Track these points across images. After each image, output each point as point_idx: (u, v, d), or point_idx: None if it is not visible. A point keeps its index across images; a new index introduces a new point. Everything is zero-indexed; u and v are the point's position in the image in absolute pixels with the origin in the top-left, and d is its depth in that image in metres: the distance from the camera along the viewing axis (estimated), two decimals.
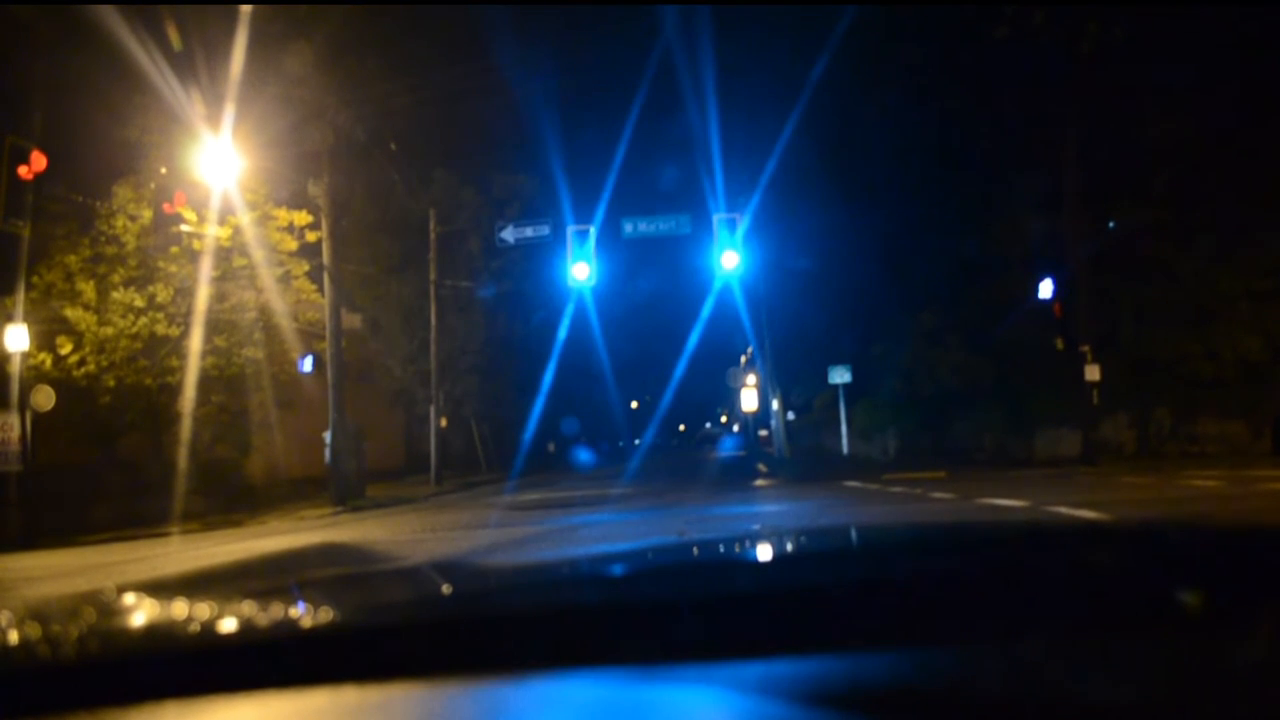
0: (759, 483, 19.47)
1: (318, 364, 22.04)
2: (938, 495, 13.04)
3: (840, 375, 27.18)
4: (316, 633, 1.10)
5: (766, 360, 30.24)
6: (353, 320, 35.53)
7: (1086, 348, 18.18)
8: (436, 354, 32.49)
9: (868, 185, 22.74)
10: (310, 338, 24.13)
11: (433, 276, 28.94)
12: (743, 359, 70.36)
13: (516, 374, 38.06)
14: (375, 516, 18.09)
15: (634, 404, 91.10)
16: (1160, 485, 13.94)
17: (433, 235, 28.91)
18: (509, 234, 21.78)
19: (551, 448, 63.38)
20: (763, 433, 60.29)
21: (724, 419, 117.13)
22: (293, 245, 23.30)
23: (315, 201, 22.53)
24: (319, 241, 22.46)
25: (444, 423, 29.21)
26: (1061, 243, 18.95)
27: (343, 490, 21.31)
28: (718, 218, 21.00)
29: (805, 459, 27.02)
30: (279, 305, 22.64)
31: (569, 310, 30.36)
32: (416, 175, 34.50)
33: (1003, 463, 19.32)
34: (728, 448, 67.59)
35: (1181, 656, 1.00)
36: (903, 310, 21.16)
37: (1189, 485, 13.51)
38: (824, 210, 23.74)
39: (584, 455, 57.48)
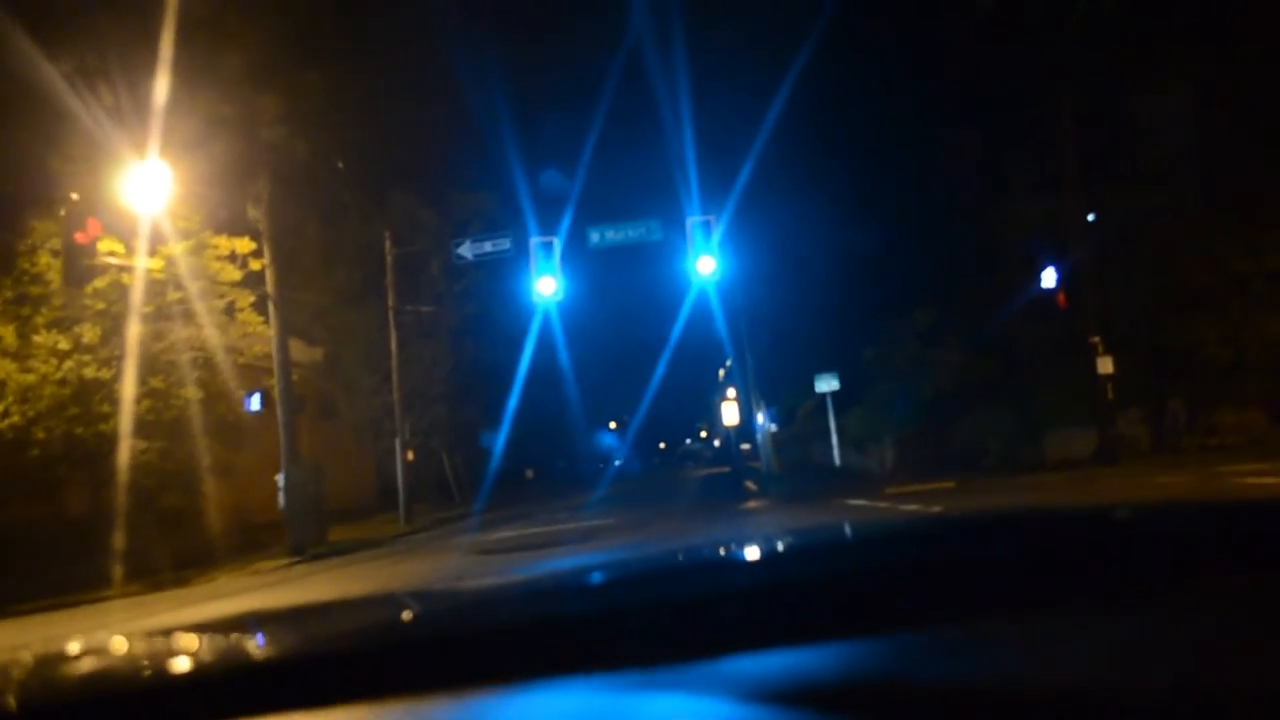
0: (751, 505, 17.92)
1: (267, 401, 20.29)
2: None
3: (828, 383, 25.73)
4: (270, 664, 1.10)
5: (747, 372, 28.70)
6: (313, 354, 33.86)
7: (1097, 339, 16.77)
8: (401, 384, 30.79)
9: (851, 181, 21.40)
10: (261, 373, 22.40)
11: (391, 303, 27.29)
12: (721, 372, 68.95)
13: (488, 401, 36.31)
14: (333, 568, 16.45)
15: (612, 424, 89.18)
16: (1201, 485, 12.47)
17: (389, 259, 27.26)
18: (467, 250, 20.24)
19: (530, 474, 61.61)
20: (745, 446, 58.84)
21: (704, 434, 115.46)
22: (235, 275, 21.61)
23: (257, 226, 20.87)
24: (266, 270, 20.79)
25: (411, 456, 27.49)
26: (1062, 229, 17.58)
27: (301, 537, 19.59)
28: (691, 221, 19.52)
29: (795, 474, 25.51)
30: (222, 340, 20.94)
31: (535, 329, 28.71)
32: (371, 198, 32.93)
33: (1012, 468, 17.86)
34: (710, 464, 66.05)
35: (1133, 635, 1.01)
36: (895, 311, 19.72)
37: (1238, 484, 12.03)
38: (805, 210, 22.35)
39: (561, 480, 55.79)
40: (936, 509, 12.52)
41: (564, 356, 40.31)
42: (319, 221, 34.18)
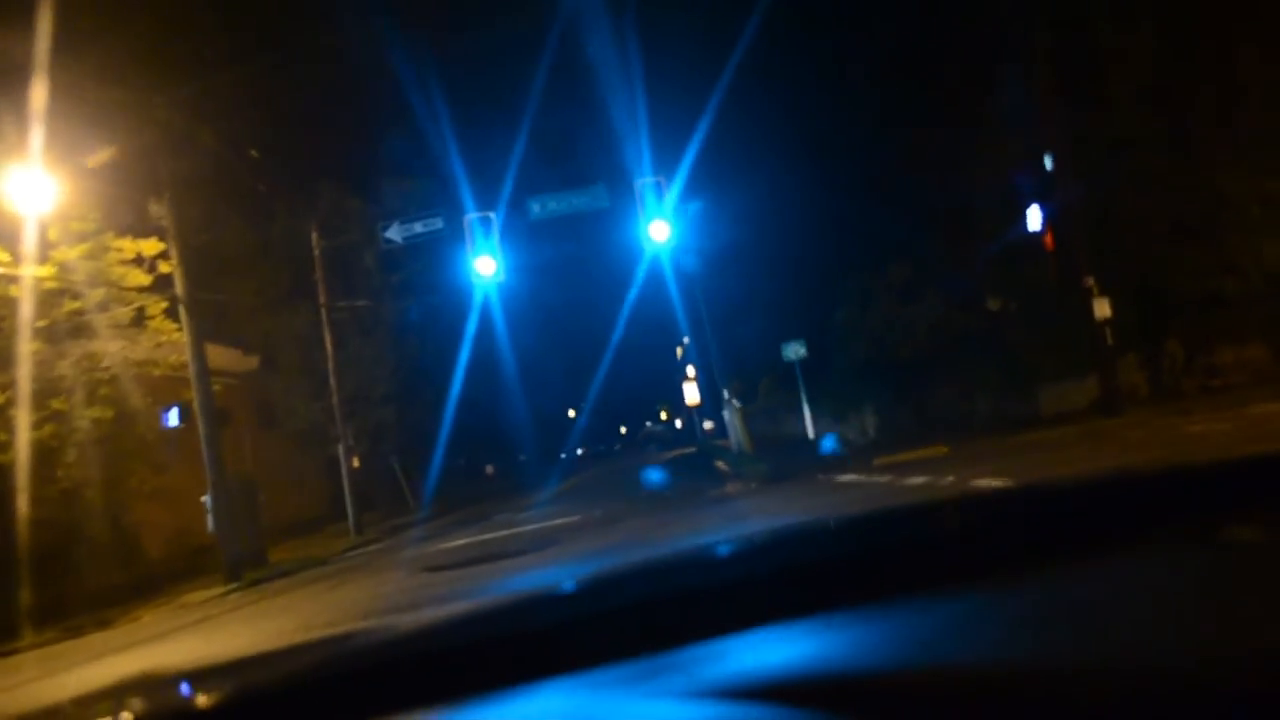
0: (731, 489, 16.33)
1: (186, 415, 18.36)
2: (983, 484, 9.93)
3: (795, 351, 24.16)
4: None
5: (708, 346, 27.09)
6: (247, 361, 31.80)
7: (1091, 280, 15.33)
8: (340, 387, 28.84)
9: (811, 137, 19.76)
10: (183, 385, 20.43)
11: (322, 300, 25.34)
12: (679, 350, 67.29)
13: (437, 399, 34.38)
14: (268, 595, 14.69)
15: (571, 412, 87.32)
16: (1249, 434, 11.02)
17: (316, 253, 25.30)
18: (396, 233, 18.42)
19: (490, 470, 59.66)
20: (708, 425, 57.35)
21: (664, 416, 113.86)
22: (143, 279, 19.62)
23: (162, 224, 18.88)
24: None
25: (356, 463, 25.62)
26: (1044, 167, 16.07)
27: (236, 560, 17.72)
28: (641, 183, 17.81)
29: (769, 451, 23.93)
30: (133, 352, 18.98)
31: (475, 312, 26.89)
32: (295, 190, 30.95)
33: (1006, 427, 16.43)
34: (673, 445, 64.50)
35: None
36: (867, 269, 18.10)
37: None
38: (763, 170, 20.72)
39: (523, 474, 53.91)
40: (948, 479, 10.97)
41: (512, 343, 38.50)
42: (242, 219, 32.25)
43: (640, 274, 23.20)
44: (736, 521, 11.04)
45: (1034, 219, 16.28)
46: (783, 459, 20.13)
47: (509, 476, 54.35)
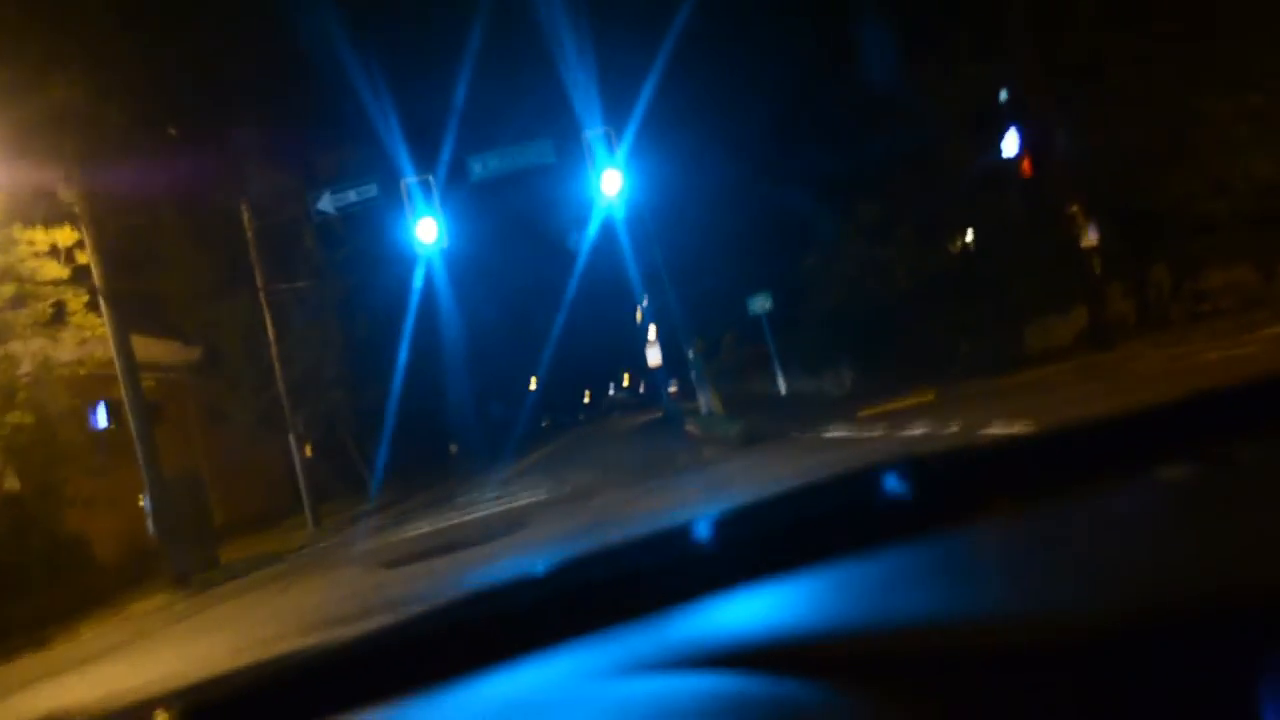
0: (708, 454, 15.33)
1: (116, 414, 17.03)
2: (993, 432, 8.96)
3: (761, 304, 23.15)
4: None
5: (669, 304, 25.86)
6: (189, 353, 30.32)
7: (1075, 207, 14.37)
8: (287, 372, 27.48)
9: (769, 72, 18.56)
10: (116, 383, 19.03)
11: (260, 282, 23.94)
12: (638, 312, 66.06)
13: (393, 378, 33.04)
14: (217, 600, 13.60)
15: (534, 382, 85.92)
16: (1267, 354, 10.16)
17: (249, 233, 23.87)
18: (327, 204, 17.15)
19: (454, 449, 58.32)
20: (672, 388, 56.26)
21: (626, 381, 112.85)
22: (60, 272, 18.23)
23: (74, 210, 17.45)
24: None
25: (309, 451, 24.34)
26: (1016, 92, 15.03)
27: (183, 563, 16.51)
28: (589, 134, 16.63)
29: (740, 411, 22.96)
30: (57, 350, 17.61)
31: (420, 283, 25.55)
32: (226, 170, 29.37)
33: (994, 368, 15.51)
34: (638, 410, 63.54)
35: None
36: (836, 212, 16.97)
37: None
38: (718, 112, 19.51)
39: (488, 450, 52.59)
40: (952, 428, 10.01)
41: (464, 314, 37.17)
42: (173, 205, 30.64)
43: (593, 232, 21.96)
44: (721, 490, 10.03)
45: (1010, 144, 15.23)
46: (757, 418, 19.17)
47: (474, 454, 53.10)
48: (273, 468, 30.83)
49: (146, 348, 29.32)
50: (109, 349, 18.36)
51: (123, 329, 16.89)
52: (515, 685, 1.04)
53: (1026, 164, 15.09)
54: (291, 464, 34.52)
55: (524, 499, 14.89)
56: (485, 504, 16.29)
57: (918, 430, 10.36)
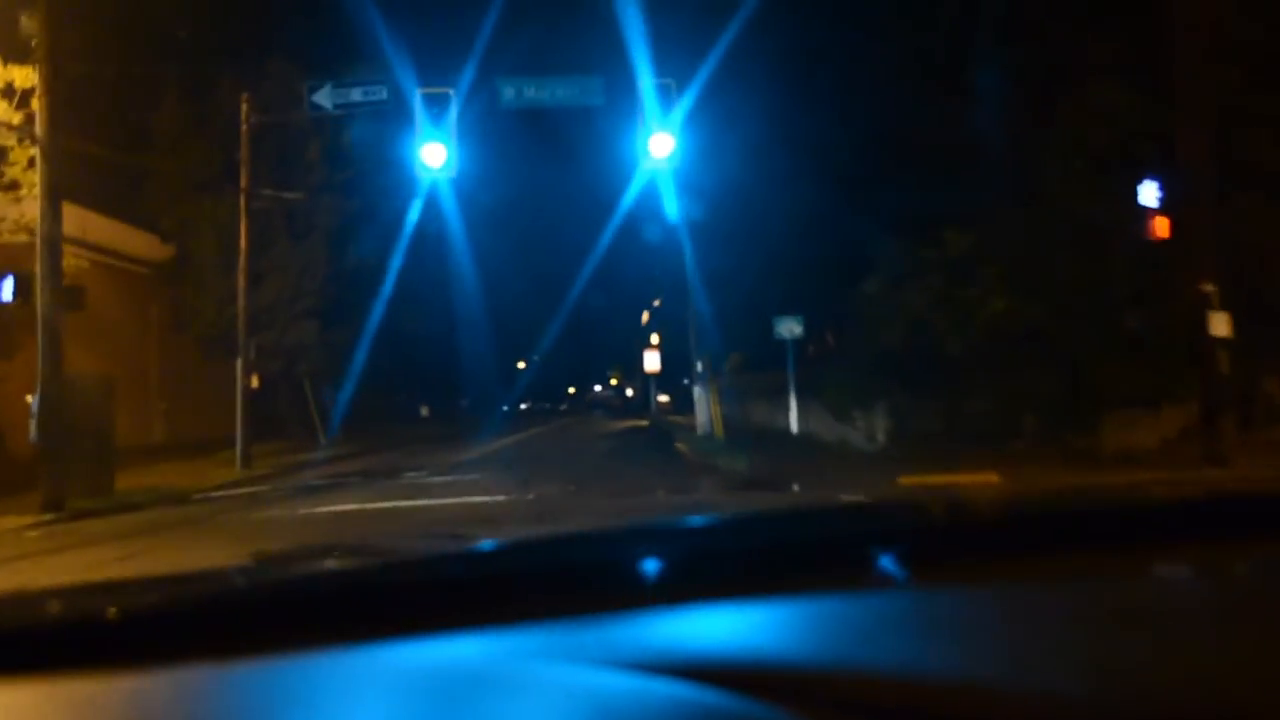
0: (706, 491, 12.60)
1: (24, 289, 14.27)
2: None
3: (789, 328, 20.49)
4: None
5: (690, 306, 23.14)
6: (163, 250, 27.54)
7: (1211, 287, 11.72)
8: (256, 292, 24.77)
9: (857, 60, 15.78)
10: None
11: (243, 183, 21.16)
12: (645, 315, 63.20)
13: (371, 320, 30.23)
14: (80, 540, 10.92)
15: (521, 363, 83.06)
16: None
17: (244, 128, 21.06)
18: (325, 98, 14.46)
19: (425, 412, 55.46)
20: (663, 399, 53.52)
21: (614, 381, 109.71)
22: (8, 115, 15.62)
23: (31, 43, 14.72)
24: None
25: (256, 382, 21.61)
26: (1165, 130, 12.31)
27: (61, 485, 13.72)
28: (648, 83, 13.94)
29: (741, 441, 20.28)
30: None
31: (417, 214, 22.82)
32: (230, 55, 26.66)
33: (1058, 456, 12.85)
34: (622, 414, 60.77)
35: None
36: (916, 237, 14.17)
37: None
38: (791, 96, 16.71)
39: (459, 421, 49.77)
40: None
41: (465, 264, 34.27)
42: (178, 95, 27.99)
43: (629, 197, 19.15)
44: None
45: (1148, 194, 12.52)
46: (763, 454, 16.48)
47: (444, 422, 50.31)
48: (227, 392, 28.01)
49: (114, 233, 26.63)
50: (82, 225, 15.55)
51: (54, 191, 14.10)
52: (446, 656, 1.00)
53: (1162, 223, 12.42)
54: (231, 393, 31.85)
55: (476, 495, 12.16)
56: (433, 490, 13.55)
57: None
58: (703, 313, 22.90)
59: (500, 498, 11.67)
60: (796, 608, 1.06)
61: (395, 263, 26.77)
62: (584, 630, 1.04)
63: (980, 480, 11.60)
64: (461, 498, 11.77)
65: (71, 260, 17.14)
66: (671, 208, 17.45)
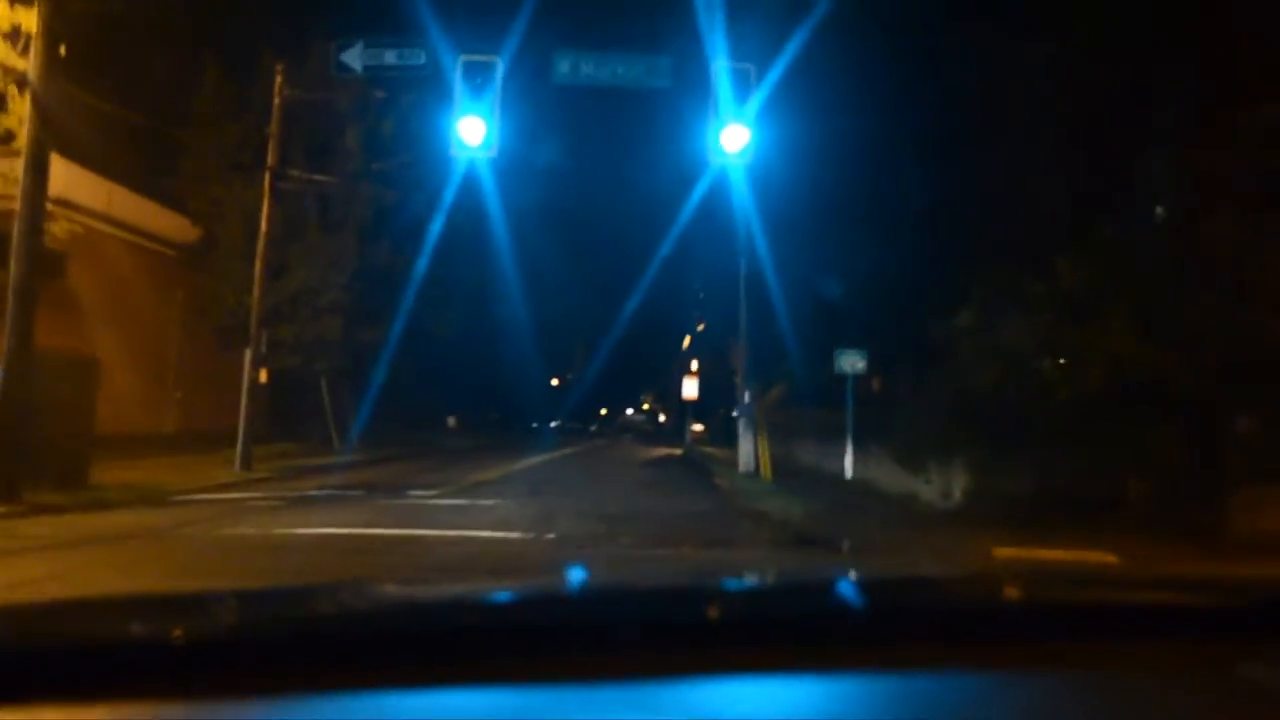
0: (760, 542, 10.61)
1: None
2: None
3: (852, 362, 18.55)
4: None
5: (743, 327, 21.15)
6: (192, 233, 26.05)
7: None
8: (276, 284, 23.17)
9: (956, 57, 13.81)
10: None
11: (270, 161, 19.58)
12: (687, 339, 61.20)
13: (399, 320, 28.49)
14: (30, 542, 9.17)
15: (555, 380, 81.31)
16: None
17: (276, 100, 19.51)
18: (355, 57, 12.67)
19: (453, 423, 53.71)
20: (696, 427, 51.35)
21: (646, 406, 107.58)
22: (12, 59, 14.03)
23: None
24: None
25: (264, 377, 19.91)
26: None
27: (17, 472, 12.00)
28: (720, 66, 12.13)
29: (789, 483, 18.29)
30: None
31: (451, 195, 21.09)
32: (285, 46, 25.15)
33: (1179, 533, 10.77)
34: (653, 441, 58.72)
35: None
36: (1018, 264, 12.15)
37: None
38: (886, 112, 14.70)
39: (488, 435, 47.99)
40: None
41: (497, 266, 32.42)
42: (219, 74, 26.56)
43: (689, 201, 17.22)
44: None
45: None
46: (817, 502, 14.48)
47: (471, 434, 48.54)
48: (230, 385, 26.42)
49: (141, 210, 25.17)
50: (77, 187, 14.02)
51: (42, 144, 12.45)
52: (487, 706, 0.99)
53: None
54: (272, 386, 30.24)
55: (487, 528, 10.26)
56: (439, 516, 11.65)
57: None
58: (757, 339, 20.94)
59: (514, 535, 9.76)
60: (846, 683, 1.05)
61: (427, 260, 25.07)
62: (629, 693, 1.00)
63: (1094, 559, 9.53)
64: (468, 531, 9.87)
65: (64, 224, 15.49)
66: (738, 212, 15.54)
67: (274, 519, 10.89)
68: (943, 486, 13.81)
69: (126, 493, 14.01)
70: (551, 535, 9.82)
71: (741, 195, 15.53)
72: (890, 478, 16.20)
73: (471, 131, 11.78)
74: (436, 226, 23.51)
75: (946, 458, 13.65)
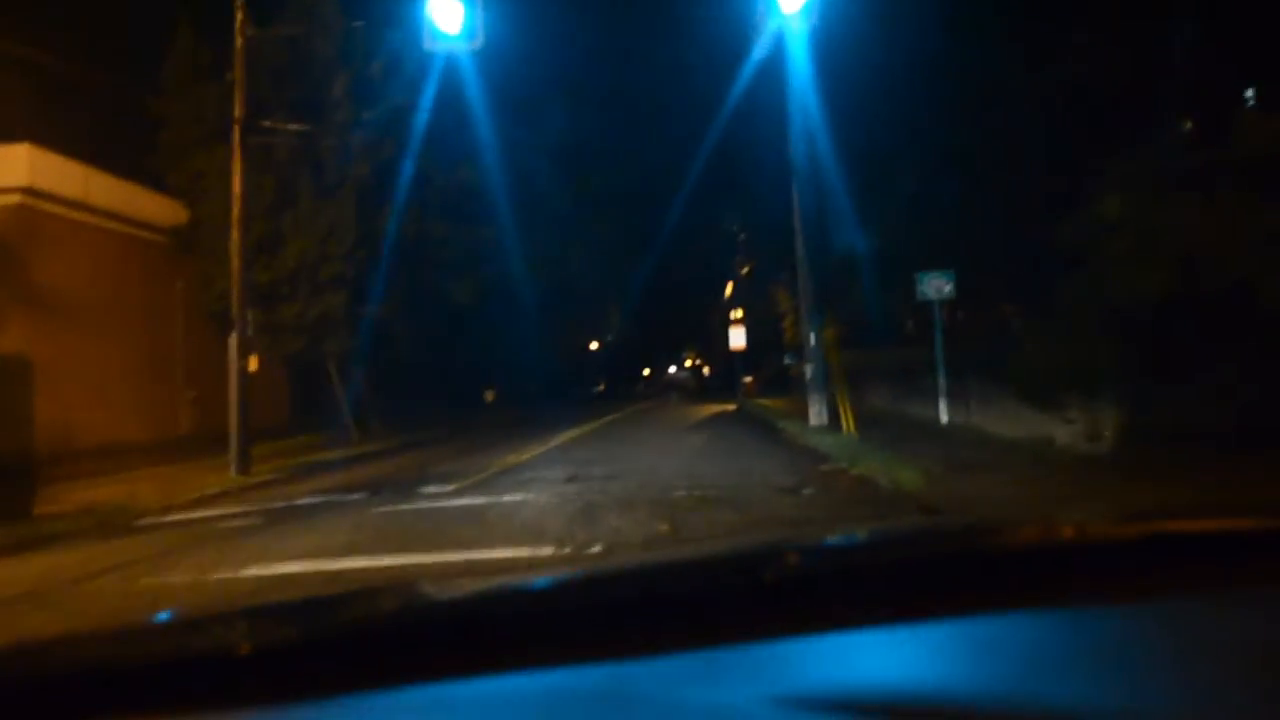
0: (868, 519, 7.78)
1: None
2: None
3: (937, 286, 15.61)
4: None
5: (801, 258, 18.08)
6: (184, 215, 23.50)
7: None
8: (275, 260, 20.72)
9: None
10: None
11: (236, 111, 16.81)
12: (730, 286, 58.00)
13: (417, 292, 25.73)
14: None
15: (594, 344, 78.43)
16: None
17: (238, 41, 16.70)
18: None
19: (490, 397, 51.12)
20: (747, 379, 48.37)
21: (689, 362, 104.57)
22: None
23: None
24: None
25: (254, 364, 17.22)
26: None
27: None
28: None
29: (879, 434, 15.42)
30: None
31: (430, 93, 18.27)
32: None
33: None
34: (700, 397, 55.84)
35: None
36: (1168, 130, 9.20)
37: None
38: None
39: (527, 408, 45.42)
40: None
41: (519, 212, 29.38)
42: (194, 28, 23.99)
43: (750, 66, 14.00)
44: None
45: None
46: (934, 460, 11.58)
47: (509, 407, 45.95)
48: (261, 375, 23.93)
49: (124, 194, 22.38)
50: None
51: None
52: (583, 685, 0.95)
53: None
54: (295, 376, 27.78)
55: (509, 542, 7.51)
56: (449, 522, 8.93)
57: None
58: (822, 269, 17.90)
59: (543, 550, 6.98)
60: (947, 632, 1.00)
61: (438, 221, 22.28)
62: (722, 662, 0.98)
63: None
64: (479, 552, 7.09)
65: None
66: (793, 94, 12.49)
67: (233, 549, 8.19)
68: (1088, 427, 10.85)
69: (83, 519, 11.45)
70: (596, 547, 7.03)
71: (800, 71, 12.47)
72: (1005, 421, 13.25)
73: (446, 14, 8.87)
74: (423, 108, 20.79)
75: (1093, 390, 10.67)
